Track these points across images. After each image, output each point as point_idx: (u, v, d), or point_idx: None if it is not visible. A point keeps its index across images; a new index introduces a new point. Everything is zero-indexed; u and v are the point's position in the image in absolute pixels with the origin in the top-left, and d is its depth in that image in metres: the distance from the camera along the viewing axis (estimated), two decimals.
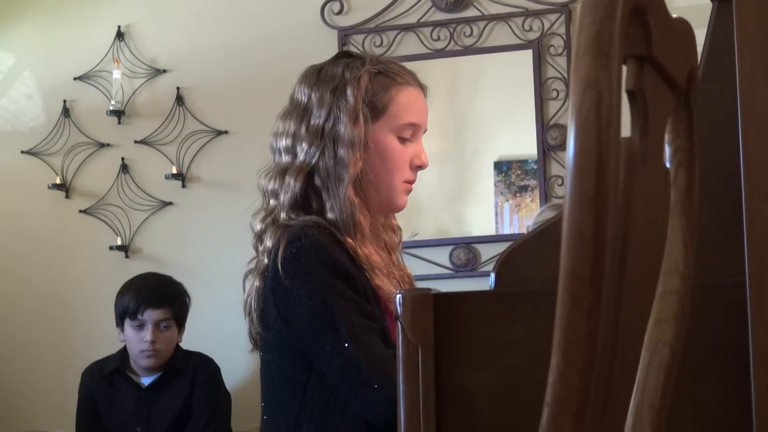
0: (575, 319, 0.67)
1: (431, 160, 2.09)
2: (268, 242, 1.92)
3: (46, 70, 4.24)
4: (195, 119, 4.09)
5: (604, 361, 0.69)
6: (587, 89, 0.67)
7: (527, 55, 3.85)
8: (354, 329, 1.81)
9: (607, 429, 0.76)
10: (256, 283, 1.93)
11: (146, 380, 3.52)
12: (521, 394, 1.24)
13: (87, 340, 4.01)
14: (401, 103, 1.99)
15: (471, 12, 3.92)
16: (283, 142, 1.98)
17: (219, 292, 3.87)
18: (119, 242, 4.09)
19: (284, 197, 1.94)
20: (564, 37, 3.82)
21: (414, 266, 3.45)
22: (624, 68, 0.74)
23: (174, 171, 4.05)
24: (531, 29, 3.86)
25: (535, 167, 3.81)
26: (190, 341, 3.59)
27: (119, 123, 4.14)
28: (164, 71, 4.14)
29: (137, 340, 3.45)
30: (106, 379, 3.53)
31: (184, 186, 4.09)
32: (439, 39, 3.93)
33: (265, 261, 1.91)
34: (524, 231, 3.72)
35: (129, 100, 4.15)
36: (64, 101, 4.19)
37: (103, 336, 3.83)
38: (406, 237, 2.27)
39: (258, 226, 1.98)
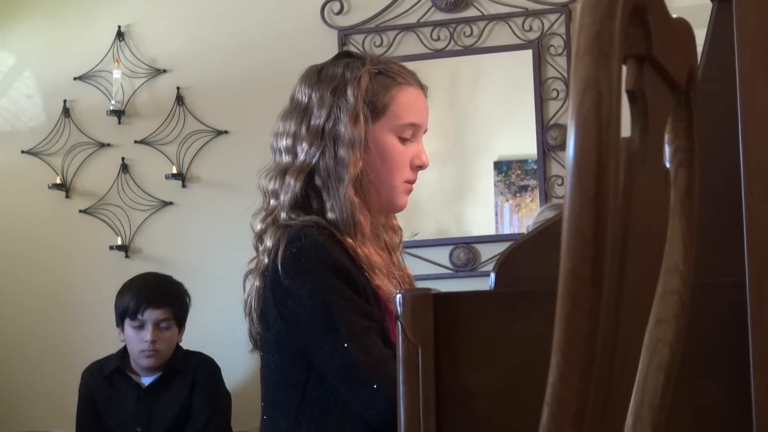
0: (575, 319, 0.67)
1: (431, 160, 2.09)
2: (269, 242, 1.92)
3: (46, 70, 4.24)
4: (195, 119, 4.09)
5: (604, 361, 0.69)
6: (587, 89, 0.67)
7: (527, 55, 3.85)
8: (353, 329, 1.81)
9: (607, 429, 0.76)
10: (257, 283, 1.93)
11: (146, 380, 3.52)
12: (521, 394, 1.24)
13: (87, 339, 4.01)
14: (402, 103, 1.98)
15: (471, 12, 3.92)
16: (284, 142, 1.98)
17: (219, 292, 3.87)
18: (119, 242, 4.09)
19: (284, 197, 1.94)
20: (564, 37, 3.82)
21: (414, 266, 3.45)
22: (624, 68, 0.74)
23: (174, 171, 4.05)
24: (531, 29, 3.86)
25: (535, 167, 3.81)
26: (190, 341, 3.59)
27: (119, 123, 4.14)
28: (164, 71, 4.14)
29: (137, 340, 3.45)
30: (106, 378, 3.53)
31: (184, 186, 4.09)
32: (439, 39, 3.93)
33: (266, 261, 1.91)
34: (524, 231, 3.72)
35: (129, 100, 4.15)
36: (64, 101, 4.19)
37: (103, 336, 3.83)
38: (406, 237, 2.26)
39: (258, 226, 1.98)
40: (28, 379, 4.12)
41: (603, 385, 0.70)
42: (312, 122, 1.96)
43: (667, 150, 0.99)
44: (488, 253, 3.81)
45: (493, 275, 1.35)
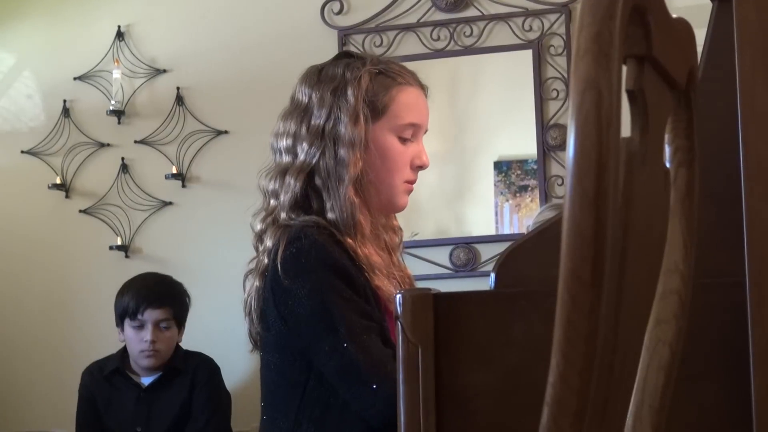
0: (575, 319, 0.67)
1: (431, 160, 2.09)
2: (269, 242, 1.92)
3: (46, 70, 4.24)
4: (195, 119, 4.09)
5: (604, 361, 0.69)
6: (587, 89, 0.67)
7: (527, 55, 3.85)
8: (353, 329, 1.81)
9: (607, 429, 0.76)
10: (256, 283, 1.93)
11: (146, 380, 3.52)
12: (521, 394, 1.24)
13: (87, 339, 4.01)
14: (402, 104, 1.98)
15: (471, 12, 3.92)
16: (284, 143, 1.98)
17: (219, 292, 3.87)
18: (119, 242, 4.09)
19: (284, 197, 1.94)
20: (564, 37, 3.82)
21: (414, 266, 3.45)
22: (624, 68, 0.74)
23: (174, 171, 4.05)
24: (531, 29, 3.86)
25: (535, 167, 3.81)
26: (190, 341, 3.59)
27: (119, 123, 4.14)
28: (164, 71, 4.14)
29: (137, 340, 3.45)
30: (106, 379, 3.53)
31: (184, 186, 4.09)
32: (439, 39, 3.93)
33: (266, 261, 1.91)
34: (524, 231, 3.72)
35: (129, 100, 4.15)
36: (64, 101, 4.19)
37: (102, 336, 3.83)
38: (406, 237, 2.26)
39: (258, 226, 1.98)
40: (28, 379, 4.12)
41: (603, 385, 0.70)
42: (312, 122, 1.96)
43: (667, 150, 0.99)
44: (488, 253, 3.81)
45: (493, 275, 1.35)
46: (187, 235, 4.07)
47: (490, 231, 3.84)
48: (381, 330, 1.85)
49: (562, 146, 3.75)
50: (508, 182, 3.84)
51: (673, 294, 0.98)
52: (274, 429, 1.91)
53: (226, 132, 4.07)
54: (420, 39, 3.94)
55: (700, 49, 1.09)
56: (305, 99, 1.98)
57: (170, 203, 4.10)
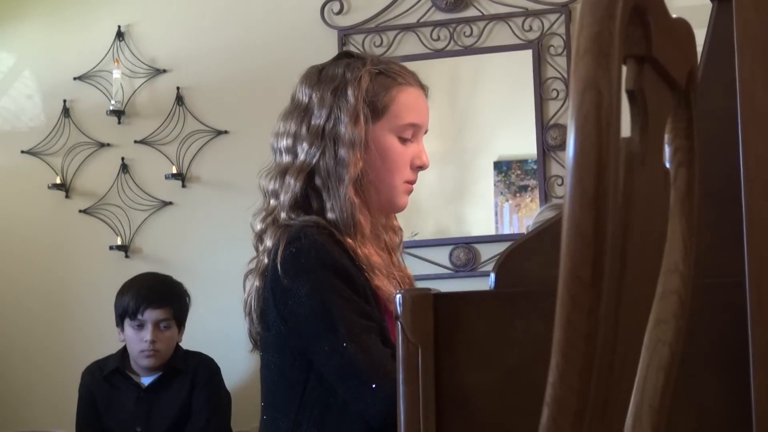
0: (575, 319, 0.67)
1: (431, 160, 2.09)
2: (268, 242, 1.92)
3: (46, 70, 4.24)
4: (195, 119, 4.09)
5: (604, 361, 0.69)
6: (587, 89, 0.67)
7: (527, 55, 3.85)
8: (353, 329, 1.81)
9: (607, 429, 0.76)
10: (256, 283, 1.93)
11: (146, 380, 3.52)
12: (521, 394, 1.24)
13: (87, 339, 4.02)
14: (402, 104, 1.98)
15: (471, 12, 3.92)
16: (284, 142, 1.98)
17: (219, 292, 3.87)
18: (119, 242, 4.09)
19: (284, 197, 1.94)
20: (564, 37, 3.82)
21: (414, 266, 3.45)
22: (624, 68, 0.74)
23: (174, 171, 4.05)
24: (531, 29, 3.86)
25: (535, 167, 3.81)
26: (190, 341, 3.59)
27: (119, 123, 4.14)
28: (164, 71, 4.14)
29: (137, 340, 3.45)
30: (106, 378, 3.53)
31: (184, 186, 4.09)
32: (439, 39, 3.93)
33: (266, 261, 1.91)
34: (524, 231, 3.72)
35: (129, 100, 4.15)
36: (64, 101, 4.19)
37: (102, 336, 3.83)
38: (406, 237, 2.26)
39: (258, 226, 1.98)
40: (28, 380, 4.12)
41: (603, 385, 0.70)
42: (312, 122, 1.96)
43: (667, 150, 0.99)
44: (488, 253, 3.81)
45: (493, 275, 1.35)
46: (187, 235, 4.07)
47: (490, 231, 3.84)
48: (381, 330, 1.85)
49: (562, 146, 3.75)
50: (508, 182, 3.84)
51: (672, 294, 0.98)
52: (274, 429, 1.91)
53: (226, 132, 4.07)
54: (420, 39, 3.94)
55: (700, 49, 1.09)
56: (305, 99, 1.98)
57: (170, 203, 4.10)
